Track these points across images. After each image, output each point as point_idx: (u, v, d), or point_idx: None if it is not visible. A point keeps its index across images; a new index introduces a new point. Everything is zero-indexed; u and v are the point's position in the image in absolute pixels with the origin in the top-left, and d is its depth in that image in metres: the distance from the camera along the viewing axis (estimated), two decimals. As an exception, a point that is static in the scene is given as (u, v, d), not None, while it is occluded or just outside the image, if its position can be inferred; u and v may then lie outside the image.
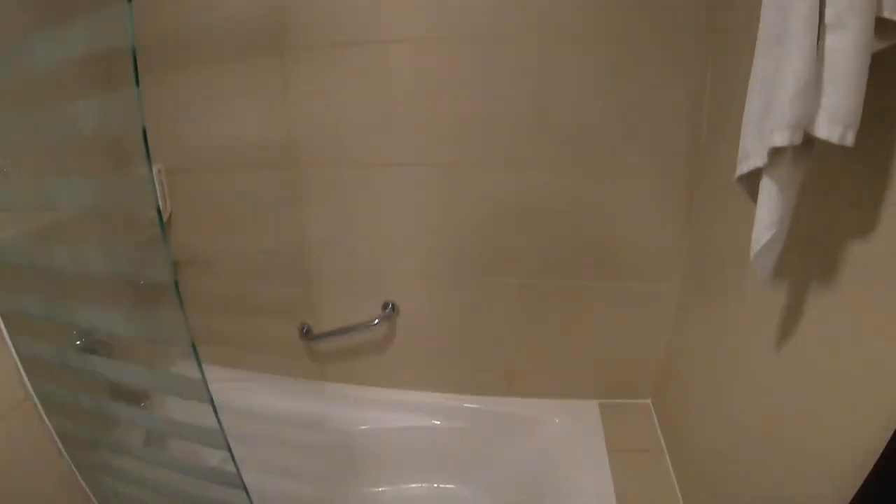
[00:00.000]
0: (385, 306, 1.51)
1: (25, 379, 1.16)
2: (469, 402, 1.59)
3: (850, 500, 0.69)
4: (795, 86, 0.66)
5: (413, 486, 1.65)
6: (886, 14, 0.61)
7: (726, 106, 1.15)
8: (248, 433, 1.65)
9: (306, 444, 1.65)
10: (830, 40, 0.64)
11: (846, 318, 0.77)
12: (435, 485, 1.65)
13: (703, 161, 1.29)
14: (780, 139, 0.68)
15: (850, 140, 0.64)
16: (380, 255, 1.49)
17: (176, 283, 0.74)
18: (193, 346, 0.74)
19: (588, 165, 1.33)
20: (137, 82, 0.65)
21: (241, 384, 1.72)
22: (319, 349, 1.65)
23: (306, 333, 1.59)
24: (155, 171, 1.56)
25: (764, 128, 0.73)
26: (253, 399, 1.67)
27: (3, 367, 1.11)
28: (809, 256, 0.85)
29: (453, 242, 1.44)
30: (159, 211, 0.72)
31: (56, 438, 1.22)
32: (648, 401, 1.57)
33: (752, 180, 0.79)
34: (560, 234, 1.40)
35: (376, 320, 1.50)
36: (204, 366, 1.70)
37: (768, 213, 0.75)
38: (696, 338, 1.32)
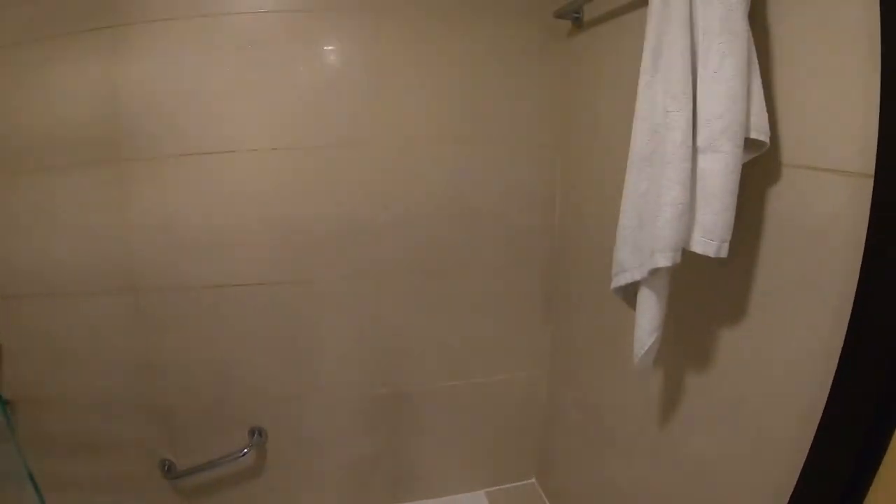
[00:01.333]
0: (252, 432, 1.39)
1: None
2: (356, 515, 1.51)
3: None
4: (674, 211, 0.71)
5: None
6: (753, 135, 0.67)
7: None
8: None
9: None
10: (703, 163, 0.69)
11: (723, 396, 0.82)
12: None
13: (560, 250, 1.37)
14: (663, 261, 0.73)
15: (724, 252, 0.69)
16: (240, 377, 1.38)
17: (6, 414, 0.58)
18: (31, 476, 0.59)
19: (440, 264, 1.36)
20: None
21: None
22: (186, 485, 1.48)
23: (168, 471, 1.43)
24: None
25: (641, 246, 0.78)
26: None
27: None
28: (683, 344, 0.90)
29: (316, 358, 1.38)
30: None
31: None
32: (533, 480, 1.60)
33: (628, 289, 0.84)
34: (424, 339, 1.41)
35: (245, 450, 1.37)
36: None
37: (649, 321, 0.80)
38: (573, 415, 1.37)
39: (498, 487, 1.57)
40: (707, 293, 0.85)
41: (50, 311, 1.37)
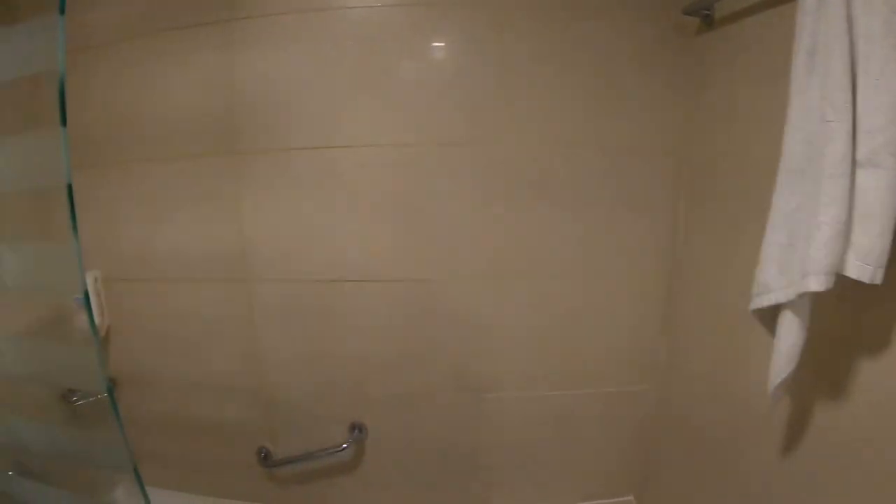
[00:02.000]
0: (353, 428, 1.42)
1: None
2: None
3: None
4: (831, 230, 0.64)
5: None
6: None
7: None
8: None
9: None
10: (862, 179, 0.63)
11: (856, 437, 0.74)
12: None
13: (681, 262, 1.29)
14: (816, 285, 0.66)
15: (879, 278, 0.63)
16: (345, 374, 1.38)
17: (113, 400, 0.61)
18: (136, 470, 0.61)
19: (561, 265, 1.32)
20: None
21: None
22: (281, 473, 1.51)
23: (265, 458, 1.45)
24: (90, 278, 1.41)
25: (791, 266, 0.71)
26: None
27: None
28: (816, 374, 0.81)
29: (425, 360, 1.35)
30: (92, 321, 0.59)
31: None
32: (631, 497, 1.53)
33: (768, 311, 0.78)
34: (546, 347, 1.37)
35: (344, 445, 1.39)
36: (153, 490, 1.57)
37: (790, 348, 0.73)
38: (682, 436, 1.29)
39: (594, 502, 1.52)
40: (849, 321, 0.76)
41: (160, 296, 1.41)
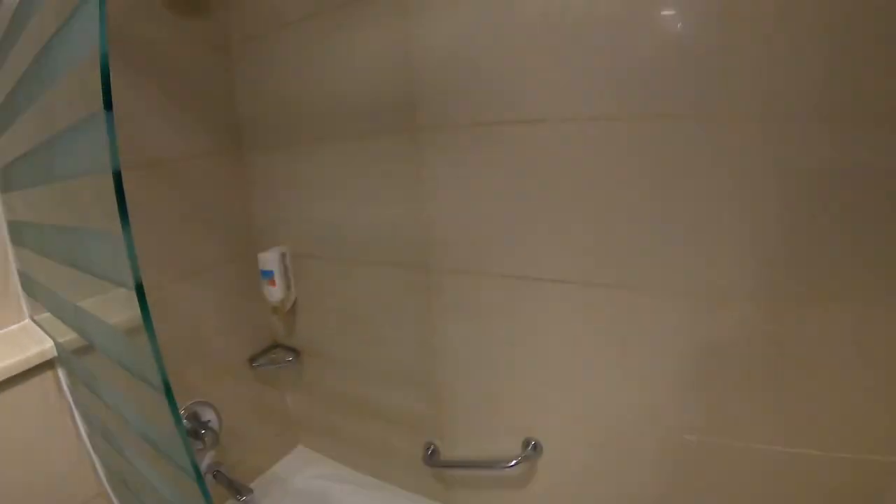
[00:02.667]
0: (527, 444, 1.26)
1: (102, 475, 1.13)
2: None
3: None
4: None
5: None
6: None
7: None
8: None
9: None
10: None
11: None
12: None
13: None
14: None
15: None
16: (526, 383, 1.23)
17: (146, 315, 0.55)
18: (166, 384, 0.56)
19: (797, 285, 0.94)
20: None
21: (352, 487, 1.59)
22: (445, 474, 1.44)
23: (431, 455, 1.40)
24: (279, 252, 1.48)
25: None
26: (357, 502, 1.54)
27: (83, 463, 1.13)
28: None
29: (618, 383, 1.12)
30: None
31: None
32: None
33: None
34: (756, 384, 1.02)
35: (514, 461, 1.24)
36: (320, 460, 1.62)
37: None
38: None
39: None
40: None
41: (342, 275, 1.42)
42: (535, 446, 1.25)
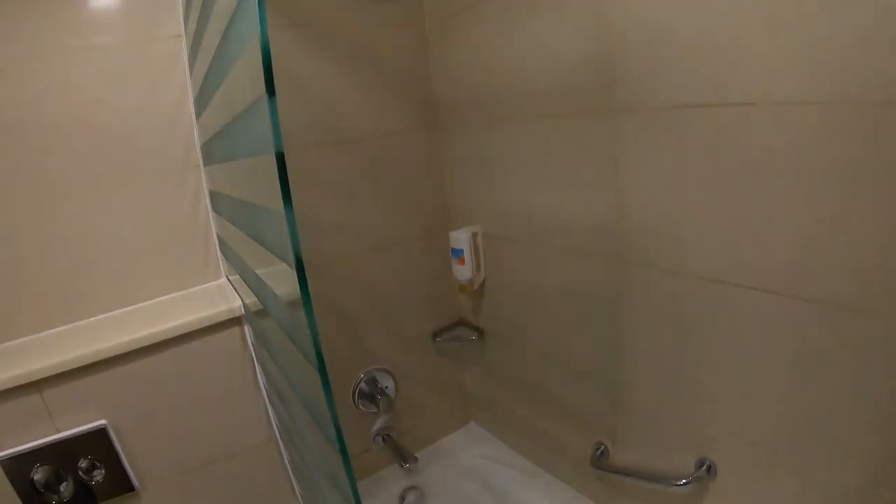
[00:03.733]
0: (701, 464, 1.09)
1: (274, 425, 1.21)
2: None
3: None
4: None
5: None
6: None
7: None
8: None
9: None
10: None
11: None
12: None
13: None
14: None
15: None
16: (710, 399, 1.06)
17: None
18: (320, 359, 0.54)
19: None
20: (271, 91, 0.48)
21: (516, 473, 1.57)
22: (612, 479, 1.33)
23: (600, 456, 1.31)
24: (470, 232, 1.47)
25: None
26: (518, 490, 1.52)
27: (258, 412, 1.22)
28: None
29: (821, 419, 0.90)
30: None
31: (292, 479, 1.26)
32: None
33: None
34: None
35: (685, 480, 1.09)
36: (489, 440, 1.62)
37: None
38: None
39: None
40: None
41: (531, 259, 1.36)
42: (709, 468, 1.08)
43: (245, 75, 0.63)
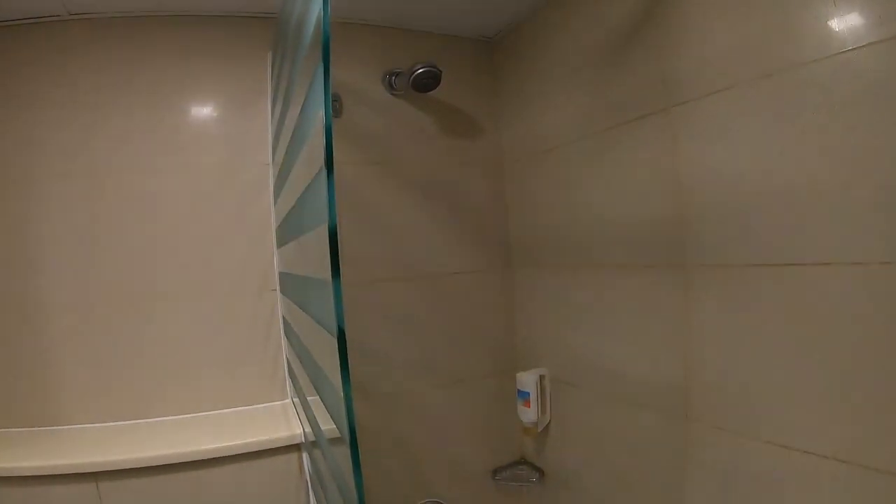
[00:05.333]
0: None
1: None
2: None
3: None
4: None
5: None
6: None
7: None
8: None
9: None
10: None
11: None
12: None
13: None
14: None
15: None
16: None
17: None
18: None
19: None
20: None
21: None
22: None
23: None
24: (537, 375, 1.46)
25: None
26: None
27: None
28: None
29: None
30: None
31: None
32: None
33: None
34: None
35: None
36: None
37: None
38: None
39: None
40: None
41: (598, 409, 1.33)
42: None
43: (309, 160, 0.66)
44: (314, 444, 0.99)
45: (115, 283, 1.23)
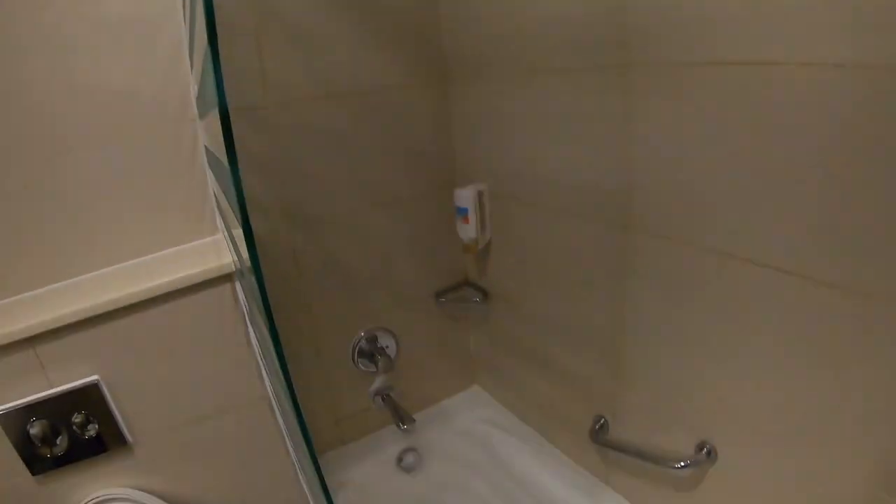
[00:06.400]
0: (701, 447, 1.04)
1: (267, 382, 1.21)
2: None
3: None
4: None
5: None
6: None
7: None
8: (493, 484, 1.49)
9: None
10: None
11: None
12: None
13: None
14: None
15: None
16: (712, 380, 1.00)
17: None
18: (271, 325, 0.53)
19: None
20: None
21: (515, 440, 1.55)
22: (609, 454, 1.29)
23: (599, 430, 1.26)
24: (475, 190, 1.41)
25: None
26: (516, 457, 1.51)
27: (250, 368, 1.23)
28: None
29: (827, 411, 0.82)
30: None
31: (285, 437, 1.25)
32: None
33: None
34: None
35: (682, 462, 1.04)
36: (490, 404, 1.61)
37: None
38: None
39: None
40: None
41: (538, 222, 1.30)
42: (709, 452, 1.02)
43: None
44: (242, 272, 0.96)
45: (23, 135, 1.04)
